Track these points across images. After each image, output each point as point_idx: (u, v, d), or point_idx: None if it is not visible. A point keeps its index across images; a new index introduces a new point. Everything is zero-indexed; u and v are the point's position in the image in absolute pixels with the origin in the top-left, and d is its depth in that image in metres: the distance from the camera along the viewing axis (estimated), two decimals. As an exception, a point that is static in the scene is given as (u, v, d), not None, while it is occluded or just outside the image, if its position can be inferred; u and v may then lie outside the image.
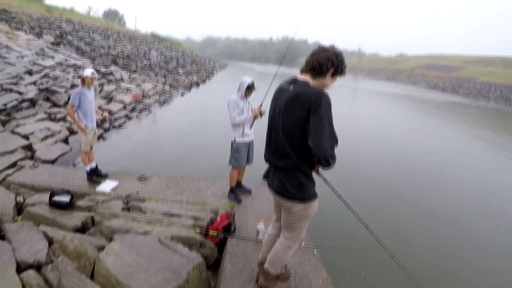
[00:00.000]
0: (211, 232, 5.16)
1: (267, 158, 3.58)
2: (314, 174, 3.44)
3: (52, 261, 4.35)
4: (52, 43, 22.97)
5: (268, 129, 3.54)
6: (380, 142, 16.40)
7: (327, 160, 3.08)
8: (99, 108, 11.64)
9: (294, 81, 3.32)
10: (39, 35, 24.27)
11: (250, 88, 6.32)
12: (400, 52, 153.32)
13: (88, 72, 7.00)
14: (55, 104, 12.52)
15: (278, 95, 3.44)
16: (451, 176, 12.26)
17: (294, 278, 4.39)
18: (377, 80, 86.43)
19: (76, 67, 18.20)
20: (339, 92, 45.00)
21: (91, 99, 7.10)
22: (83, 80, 6.95)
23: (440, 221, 8.48)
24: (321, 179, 3.60)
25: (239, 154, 6.48)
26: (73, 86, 14.44)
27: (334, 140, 3.13)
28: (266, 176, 3.68)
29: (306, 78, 3.27)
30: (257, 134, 6.50)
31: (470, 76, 78.14)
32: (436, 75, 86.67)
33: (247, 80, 6.32)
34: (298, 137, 3.19)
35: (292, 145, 3.24)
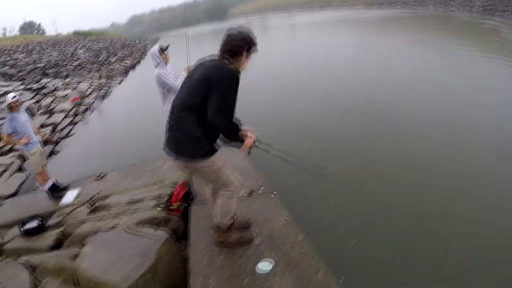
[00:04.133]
0: (172, 206, 5.44)
1: (168, 122, 3.82)
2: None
3: (36, 286, 4.62)
4: (-25, 79, 22.25)
5: (177, 94, 3.83)
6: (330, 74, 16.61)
7: (218, 129, 3.52)
8: (40, 127, 11.63)
9: (213, 59, 3.64)
10: (-42, 76, 23.45)
11: (163, 50, 6.24)
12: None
13: (9, 97, 7.02)
14: (-2, 139, 12.34)
15: (197, 66, 3.72)
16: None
17: (254, 227, 4.54)
18: (311, 11, 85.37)
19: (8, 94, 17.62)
20: (279, 32, 44.78)
21: (24, 121, 7.12)
22: (10, 107, 7.01)
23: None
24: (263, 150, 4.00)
25: None
26: (11, 114, 14.12)
27: (230, 113, 3.52)
28: (165, 146, 3.83)
29: (230, 60, 3.56)
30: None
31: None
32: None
33: (153, 48, 6.32)
34: (199, 103, 3.45)
35: (192, 110, 3.51)
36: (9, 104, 6.96)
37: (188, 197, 5.59)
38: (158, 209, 5.47)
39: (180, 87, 3.82)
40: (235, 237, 4.24)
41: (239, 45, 3.54)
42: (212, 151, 3.64)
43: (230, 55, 3.54)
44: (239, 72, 3.54)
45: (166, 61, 6.27)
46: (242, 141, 3.70)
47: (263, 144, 3.96)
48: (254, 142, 3.78)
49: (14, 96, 7.09)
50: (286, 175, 6.98)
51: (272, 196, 5.23)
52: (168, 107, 6.52)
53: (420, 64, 16.09)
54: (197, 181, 6.16)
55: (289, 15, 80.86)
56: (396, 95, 11.74)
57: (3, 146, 11.66)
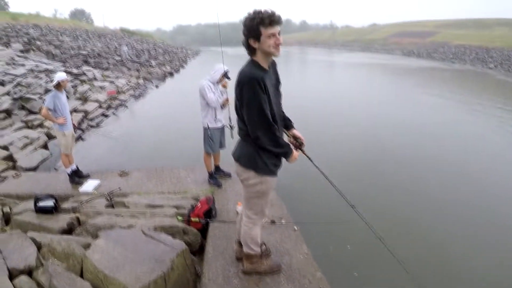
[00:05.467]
0: (193, 219, 5.34)
1: (238, 130, 3.70)
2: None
3: (42, 265, 4.51)
4: (21, 51, 22.59)
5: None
6: (363, 116, 16.32)
7: (260, 142, 3.33)
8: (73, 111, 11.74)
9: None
10: (7, 44, 23.86)
11: (225, 75, 6.46)
12: (373, 22, 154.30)
13: (63, 75, 7.11)
14: (31, 112, 12.47)
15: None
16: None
17: (274, 256, 4.51)
18: (351, 51, 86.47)
19: (48, 72, 17.99)
20: (314, 67, 44.88)
21: (65, 101, 7.20)
22: (59, 84, 7.03)
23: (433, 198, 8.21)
24: (306, 157, 3.77)
25: (213, 140, 6.66)
26: (47, 91, 14.31)
27: (263, 120, 3.26)
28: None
29: (253, 56, 3.36)
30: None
31: (444, 40, 77.95)
32: (410, 41, 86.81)
33: (223, 67, 6.45)
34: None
35: (244, 121, 3.41)
36: (60, 81, 7.02)
37: (209, 213, 5.50)
38: (179, 217, 5.38)
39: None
40: (267, 266, 4.17)
41: (245, 39, 3.29)
42: (268, 171, 3.53)
43: (248, 53, 3.37)
44: (262, 71, 3.29)
45: (218, 82, 6.51)
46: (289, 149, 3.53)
47: (306, 155, 3.81)
48: (302, 145, 3.70)
49: (66, 76, 7.22)
50: (309, 211, 7.03)
51: (294, 229, 5.26)
52: (205, 120, 6.58)
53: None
54: (220, 199, 6.16)
55: (329, 52, 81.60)
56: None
57: (33, 120, 11.77)
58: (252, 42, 3.22)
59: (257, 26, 3.12)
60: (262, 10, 3.13)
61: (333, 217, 6.72)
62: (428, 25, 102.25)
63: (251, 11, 3.21)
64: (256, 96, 3.17)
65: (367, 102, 19.98)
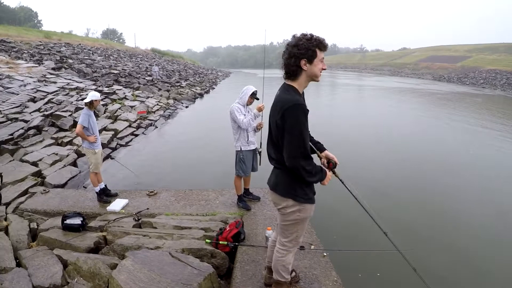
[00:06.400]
0: (221, 242, 5.21)
1: (269, 158, 3.60)
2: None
3: (67, 283, 4.46)
4: (53, 68, 22.97)
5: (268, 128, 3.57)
6: (393, 141, 16.17)
7: (298, 171, 3.19)
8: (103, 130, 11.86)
9: (281, 86, 3.35)
10: (39, 61, 24.34)
11: (253, 96, 6.44)
12: (403, 47, 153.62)
13: (97, 95, 7.24)
14: (61, 129, 12.61)
15: (274, 101, 3.43)
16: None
17: (303, 282, 4.41)
18: (381, 75, 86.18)
19: (79, 90, 18.35)
20: (345, 90, 44.66)
21: (95, 120, 7.28)
22: (91, 103, 7.11)
23: (461, 220, 8.15)
24: (338, 179, 3.67)
25: (246, 163, 6.56)
26: (77, 109, 14.51)
27: (302, 151, 3.15)
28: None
29: (290, 82, 3.28)
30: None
31: (475, 65, 76.96)
32: (441, 66, 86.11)
33: (251, 88, 6.45)
34: (282, 142, 3.24)
35: (279, 149, 3.30)
36: (94, 100, 7.11)
37: (238, 237, 5.36)
38: (207, 240, 5.26)
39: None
40: None
41: (294, 60, 3.15)
42: (307, 198, 3.42)
43: (288, 76, 3.27)
44: (301, 97, 3.26)
45: (248, 103, 6.47)
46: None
47: (338, 177, 3.70)
48: (335, 167, 3.58)
49: (100, 95, 7.27)
50: (338, 237, 6.99)
51: (324, 255, 5.11)
52: (237, 143, 6.49)
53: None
54: (249, 223, 6.03)
55: (359, 76, 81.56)
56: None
57: (63, 137, 11.89)
58: (303, 63, 3.14)
59: (315, 48, 3.11)
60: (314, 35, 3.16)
61: (363, 244, 6.63)
62: (459, 49, 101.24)
63: (297, 34, 3.20)
64: (300, 123, 3.09)
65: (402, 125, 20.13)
